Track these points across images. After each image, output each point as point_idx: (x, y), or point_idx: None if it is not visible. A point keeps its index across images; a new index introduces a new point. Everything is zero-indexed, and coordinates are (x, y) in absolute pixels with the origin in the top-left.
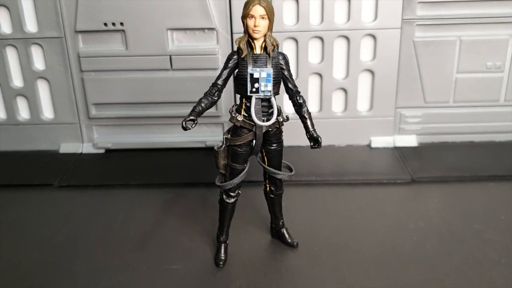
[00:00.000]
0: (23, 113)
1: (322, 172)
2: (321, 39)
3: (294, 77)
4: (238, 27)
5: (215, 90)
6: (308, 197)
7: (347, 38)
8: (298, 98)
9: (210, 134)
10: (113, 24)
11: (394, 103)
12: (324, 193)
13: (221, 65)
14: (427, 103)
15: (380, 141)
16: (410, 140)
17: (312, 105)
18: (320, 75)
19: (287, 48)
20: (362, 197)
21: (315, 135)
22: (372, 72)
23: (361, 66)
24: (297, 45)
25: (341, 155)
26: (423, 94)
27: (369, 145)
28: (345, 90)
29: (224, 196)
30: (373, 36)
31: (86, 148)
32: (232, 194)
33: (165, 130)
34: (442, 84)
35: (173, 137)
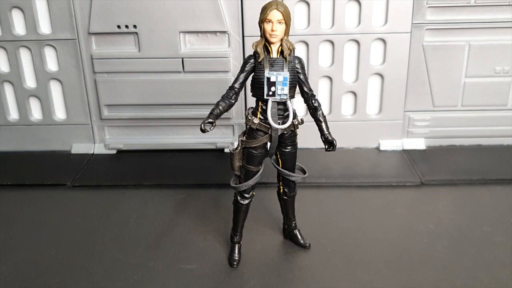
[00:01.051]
0: (36, 113)
1: (332, 174)
2: (332, 42)
3: None
4: (250, 30)
5: (233, 93)
6: (319, 199)
7: (357, 42)
8: (313, 101)
9: (220, 136)
10: (126, 26)
11: (403, 106)
12: (334, 195)
13: (232, 68)
14: (435, 107)
15: (389, 144)
16: (418, 143)
17: (322, 108)
18: (330, 78)
19: (298, 52)
20: (372, 199)
21: (330, 138)
22: (381, 75)
23: (370, 70)
24: (308, 49)
25: (351, 157)
26: (431, 98)
27: (378, 148)
28: (354, 94)
29: (239, 197)
30: (383, 40)
31: (98, 148)
32: (246, 195)
33: (176, 131)
34: (451, 88)
35: (184, 138)
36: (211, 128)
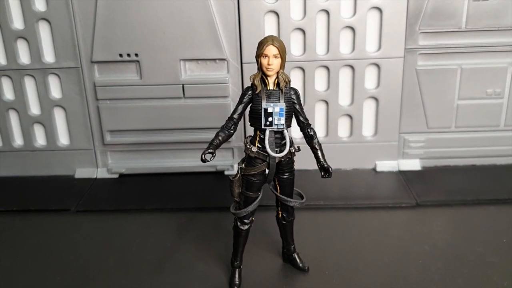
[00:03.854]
0: (40, 139)
1: (330, 196)
2: (327, 68)
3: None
4: (248, 57)
5: (231, 123)
6: (317, 221)
7: (352, 67)
8: (309, 130)
9: (220, 159)
10: (128, 55)
11: (398, 128)
12: (332, 217)
13: (231, 93)
14: (430, 128)
15: (385, 165)
16: (414, 164)
17: (319, 131)
18: (327, 102)
19: (295, 77)
20: (369, 221)
21: (325, 165)
22: (376, 99)
23: (365, 94)
24: (304, 74)
25: (348, 179)
26: (426, 119)
27: (374, 169)
28: (350, 116)
29: (239, 223)
30: (377, 65)
31: (101, 173)
32: (246, 221)
33: (177, 155)
34: (444, 110)
35: (185, 161)
36: (211, 158)
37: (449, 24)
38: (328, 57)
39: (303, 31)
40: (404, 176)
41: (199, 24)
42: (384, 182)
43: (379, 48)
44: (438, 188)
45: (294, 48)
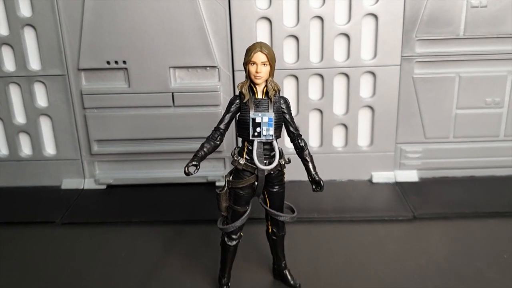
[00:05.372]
0: (26, 149)
1: (323, 208)
2: (321, 76)
3: (294, 113)
4: (239, 65)
5: (218, 134)
6: (310, 235)
7: (346, 75)
8: (299, 141)
9: (211, 169)
10: (116, 62)
11: (394, 138)
12: (326, 230)
13: (223, 101)
14: (427, 139)
15: (381, 176)
16: (411, 175)
17: (313, 141)
18: (321, 111)
19: (288, 85)
20: (364, 235)
21: (317, 178)
22: (372, 108)
23: (361, 102)
24: (297, 82)
25: (343, 190)
26: (423, 129)
27: (370, 180)
28: (345, 126)
29: (226, 239)
30: (373, 73)
31: (88, 183)
32: (234, 236)
33: (167, 165)
34: (442, 120)
35: (175, 172)
36: (195, 171)
37: (447, 31)
38: (322, 65)
39: (297, 38)
40: (401, 187)
41: (189, 31)
42: (380, 194)
43: (375, 55)
44: (436, 200)
45: (287, 55)
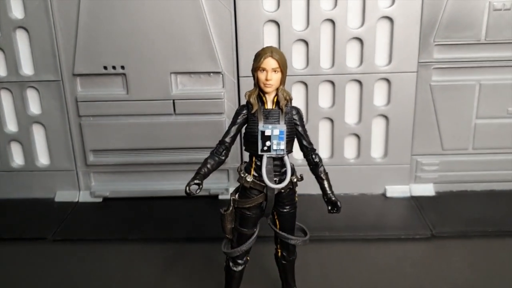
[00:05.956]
0: (18, 159)
1: (335, 225)
2: (332, 83)
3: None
4: (245, 71)
5: (223, 148)
6: (321, 256)
7: (359, 82)
8: (313, 156)
9: (214, 181)
10: (114, 67)
11: (410, 150)
12: (338, 250)
13: (227, 109)
14: (445, 150)
15: (395, 190)
16: (427, 189)
17: (323, 151)
18: (332, 120)
19: (297, 92)
20: (380, 255)
21: (333, 198)
22: (386, 117)
23: (375, 111)
24: (307, 89)
25: (355, 205)
26: (440, 140)
27: (384, 194)
28: (358, 136)
29: (231, 263)
30: (388, 80)
31: (83, 196)
32: (239, 261)
33: (167, 177)
34: (461, 130)
35: (175, 184)
36: (197, 191)
37: (467, 35)
38: (333, 71)
39: (306, 43)
40: (417, 202)
41: (192, 34)
42: (395, 210)
43: (390, 61)
44: (455, 216)
45: (296, 61)
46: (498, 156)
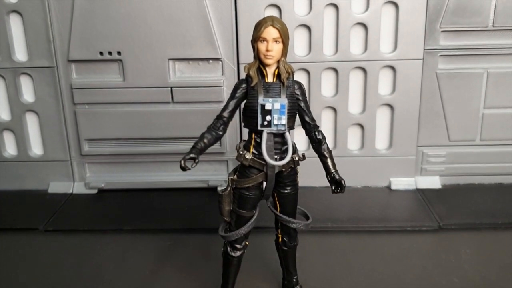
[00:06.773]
0: (10, 149)
1: (338, 217)
2: (336, 70)
3: None
4: (245, 58)
5: (220, 123)
6: (324, 247)
7: (364, 69)
8: (316, 133)
9: (213, 173)
10: (110, 53)
11: (415, 141)
12: (341, 241)
13: (226, 97)
14: (451, 141)
15: (400, 183)
16: (433, 182)
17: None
18: (335, 109)
19: (299, 80)
20: (385, 247)
21: (337, 177)
22: (391, 106)
23: (379, 100)
24: (309, 77)
25: (359, 197)
26: (447, 131)
27: (388, 187)
28: (362, 126)
29: (229, 249)
30: (393, 68)
31: (77, 187)
32: (238, 246)
33: (164, 168)
34: (468, 121)
35: (173, 176)
36: (193, 166)
37: (475, 22)
38: (336, 58)
39: (309, 28)
40: (423, 195)
41: (190, 19)
42: (400, 202)
43: (395, 48)
44: (462, 209)
45: (298, 47)
46: (507, 148)
